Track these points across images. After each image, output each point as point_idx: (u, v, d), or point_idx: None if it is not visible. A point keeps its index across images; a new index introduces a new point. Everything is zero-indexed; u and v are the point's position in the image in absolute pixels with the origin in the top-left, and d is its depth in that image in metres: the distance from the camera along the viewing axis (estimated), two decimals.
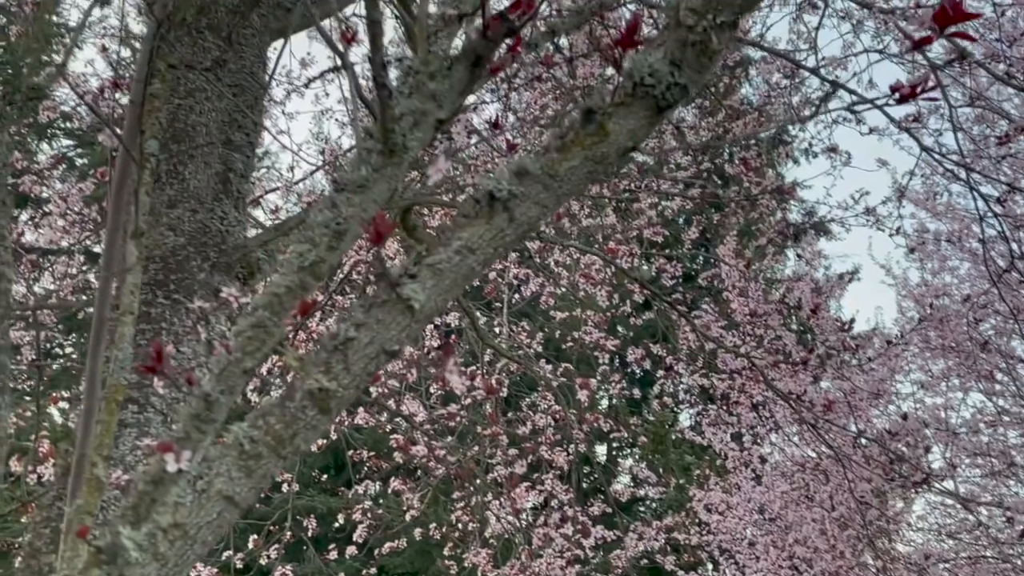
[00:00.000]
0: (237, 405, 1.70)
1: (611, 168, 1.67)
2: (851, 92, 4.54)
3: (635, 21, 1.55)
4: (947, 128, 5.60)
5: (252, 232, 4.89)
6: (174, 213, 3.54)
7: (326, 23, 5.36)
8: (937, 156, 5.11)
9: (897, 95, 1.51)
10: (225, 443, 1.60)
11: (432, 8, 2.17)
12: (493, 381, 7.20)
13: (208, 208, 3.59)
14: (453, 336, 8.24)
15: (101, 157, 14.91)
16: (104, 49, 6.63)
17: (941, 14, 1.38)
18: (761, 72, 8.53)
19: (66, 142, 16.94)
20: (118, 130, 2.45)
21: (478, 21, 1.76)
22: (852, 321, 5.94)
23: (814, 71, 4.73)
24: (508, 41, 1.79)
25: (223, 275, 3.47)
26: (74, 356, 15.57)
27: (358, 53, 7.69)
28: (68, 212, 7.49)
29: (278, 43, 4.70)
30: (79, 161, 16.93)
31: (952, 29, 1.40)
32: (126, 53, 7.53)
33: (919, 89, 1.50)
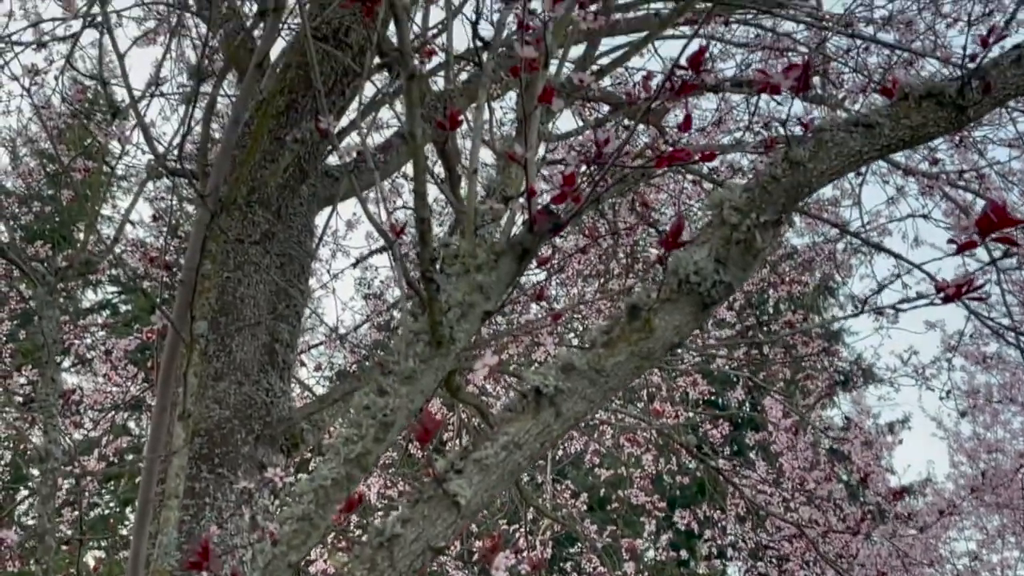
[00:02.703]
0: None
1: (657, 363, 1.67)
2: (896, 256, 4.56)
3: (679, 223, 1.57)
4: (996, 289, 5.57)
5: (295, 391, 4.90)
6: (220, 386, 3.56)
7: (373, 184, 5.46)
8: (985, 318, 5.09)
9: (942, 295, 1.51)
10: None
11: (479, 189, 2.22)
12: (538, 542, 7.09)
13: (254, 380, 3.62)
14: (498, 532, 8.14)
15: (144, 305, 15.16)
16: (156, 218, 6.80)
17: (984, 220, 1.39)
18: (807, 222, 8.57)
19: (111, 289, 17.26)
20: (169, 312, 2.49)
21: (522, 200, 1.79)
22: (903, 490, 5.84)
23: (857, 235, 4.76)
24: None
25: (267, 448, 3.47)
26: (112, 504, 15.57)
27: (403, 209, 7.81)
28: (112, 367, 7.57)
29: (326, 209, 4.80)
30: (123, 308, 17.22)
31: (995, 234, 1.40)
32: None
33: (964, 289, 1.50)
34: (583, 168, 1.68)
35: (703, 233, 1.69)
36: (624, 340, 1.64)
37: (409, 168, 6.14)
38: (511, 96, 6.39)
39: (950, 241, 1.43)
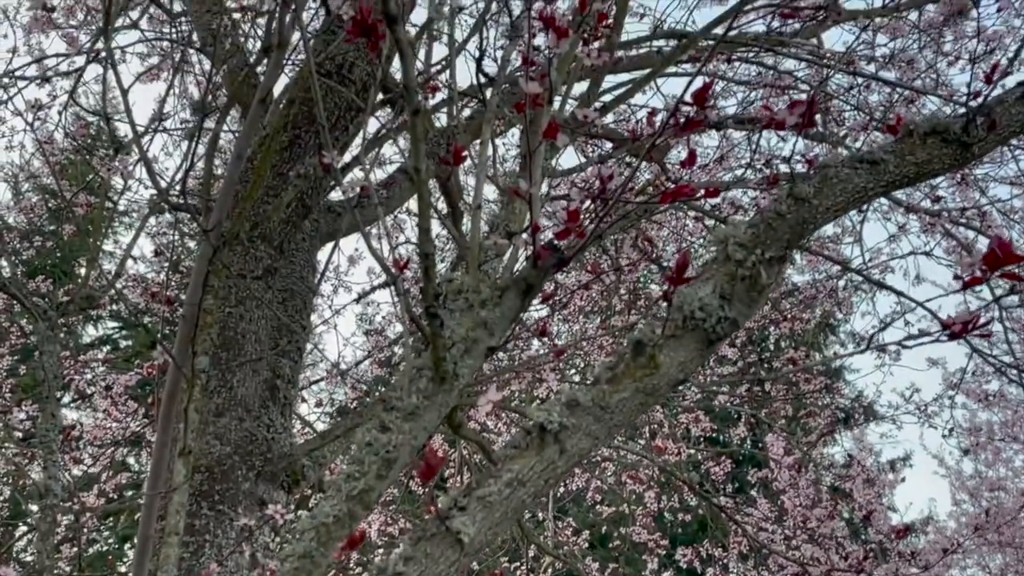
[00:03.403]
0: None
1: (662, 399, 1.66)
2: (898, 293, 4.55)
3: (684, 259, 1.56)
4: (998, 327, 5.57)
5: (296, 427, 4.87)
6: (221, 422, 3.55)
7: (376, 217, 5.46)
8: (987, 355, 5.09)
9: (948, 332, 1.50)
10: None
11: (483, 225, 2.21)
12: None
13: (255, 416, 3.60)
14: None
15: (145, 340, 15.14)
16: (157, 253, 6.81)
17: (991, 257, 1.38)
18: (808, 259, 8.57)
19: (112, 324, 17.25)
20: (170, 347, 2.48)
21: (526, 235, 1.78)
22: (907, 528, 5.80)
23: (859, 272, 4.76)
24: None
25: (268, 484, 3.45)
26: (111, 541, 15.49)
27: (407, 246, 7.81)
28: (112, 402, 7.55)
29: (328, 244, 4.79)
30: (124, 343, 17.19)
31: (1002, 270, 1.39)
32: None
33: (971, 325, 1.49)
34: (587, 204, 1.68)
35: (708, 269, 1.68)
36: (629, 376, 1.63)
37: (411, 204, 6.16)
38: (514, 132, 6.41)
39: (956, 277, 1.43)
